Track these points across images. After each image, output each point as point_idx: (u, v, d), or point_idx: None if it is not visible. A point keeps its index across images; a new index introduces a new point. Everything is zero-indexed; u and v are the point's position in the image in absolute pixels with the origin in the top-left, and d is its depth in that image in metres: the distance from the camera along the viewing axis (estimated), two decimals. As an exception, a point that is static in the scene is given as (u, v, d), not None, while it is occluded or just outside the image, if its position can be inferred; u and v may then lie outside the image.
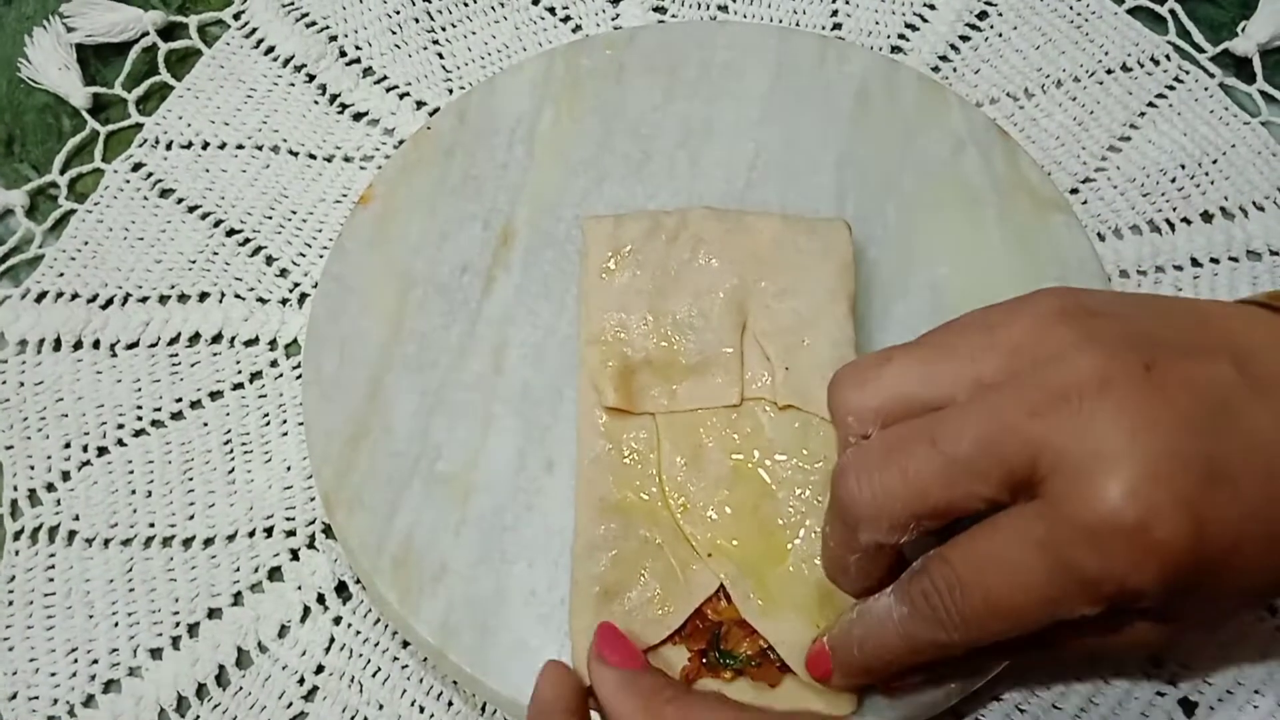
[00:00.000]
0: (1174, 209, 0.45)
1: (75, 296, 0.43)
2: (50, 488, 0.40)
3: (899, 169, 0.42)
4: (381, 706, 0.36)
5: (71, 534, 0.39)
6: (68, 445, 0.40)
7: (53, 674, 0.37)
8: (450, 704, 0.36)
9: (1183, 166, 0.45)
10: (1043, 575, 0.26)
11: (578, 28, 0.49)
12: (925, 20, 0.49)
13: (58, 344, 0.42)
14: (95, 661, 0.37)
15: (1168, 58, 0.48)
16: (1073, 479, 0.26)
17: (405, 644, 0.37)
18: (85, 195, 0.45)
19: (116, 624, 0.37)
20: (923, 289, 0.39)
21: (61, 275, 0.43)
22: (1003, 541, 0.27)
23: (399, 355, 0.38)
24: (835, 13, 0.49)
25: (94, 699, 0.36)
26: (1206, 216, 0.44)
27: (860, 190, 0.41)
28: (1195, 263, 0.44)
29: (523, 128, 0.43)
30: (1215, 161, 0.45)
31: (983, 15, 0.49)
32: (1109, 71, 0.48)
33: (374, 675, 0.37)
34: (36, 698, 0.36)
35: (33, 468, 0.40)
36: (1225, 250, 0.44)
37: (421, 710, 0.36)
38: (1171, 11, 0.49)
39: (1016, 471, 0.27)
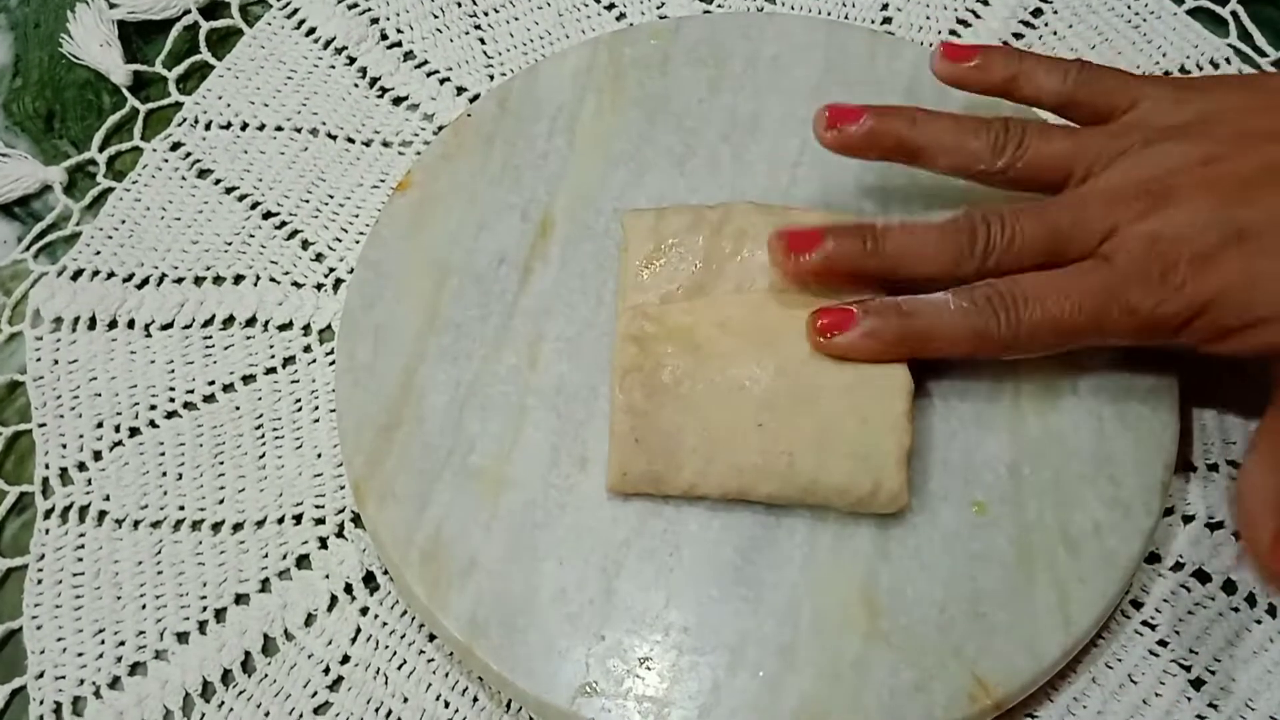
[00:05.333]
0: (1230, 217, 0.43)
1: (111, 275, 0.43)
2: (82, 467, 0.39)
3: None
4: (406, 700, 0.36)
5: (102, 514, 0.39)
6: (100, 425, 0.40)
7: (80, 654, 0.36)
8: (475, 700, 0.36)
9: (1240, 174, 0.44)
10: (1097, 302, 0.33)
11: (622, 16, 0.48)
12: (978, 16, 0.48)
13: (92, 323, 0.42)
14: (122, 643, 0.37)
15: (1228, 61, 0.46)
16: (1130, 243, 0.33)
17: (432, 638, 0.37)
18: (124, 173, 0.45)
19: (144, 606, 0.37)
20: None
21: (98, 254, 0.43)
22: (1067, 275, 0.33)
23: (434, 345, 0.38)
24: (885, 5, 0.48)
25: (120, 681, 0.36)
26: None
27: (907, 190, 0.40)
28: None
29: (564, 117, 0.42)
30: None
31: (1037, 13, 0.48)
32: (1166, 74, 0.46)
33: (399, 668, 0.36)
34: (63, 677, 0.36)
35: (64, 446, 0.40)
36: None
37: (447, 705, 0.36)
38: (1233, 13, 0.47)
39: (1091, 246, 0.34)
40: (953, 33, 0.47)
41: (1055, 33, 0.47)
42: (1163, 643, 0.36)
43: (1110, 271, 0.33)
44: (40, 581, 0.38)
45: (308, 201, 0.44)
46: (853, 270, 0.35)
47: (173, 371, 0.41)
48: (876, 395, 0.34)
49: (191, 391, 0.41)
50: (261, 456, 0.40)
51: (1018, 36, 0.47)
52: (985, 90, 0.37)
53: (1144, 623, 0.37)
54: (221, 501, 0.39)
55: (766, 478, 0.34)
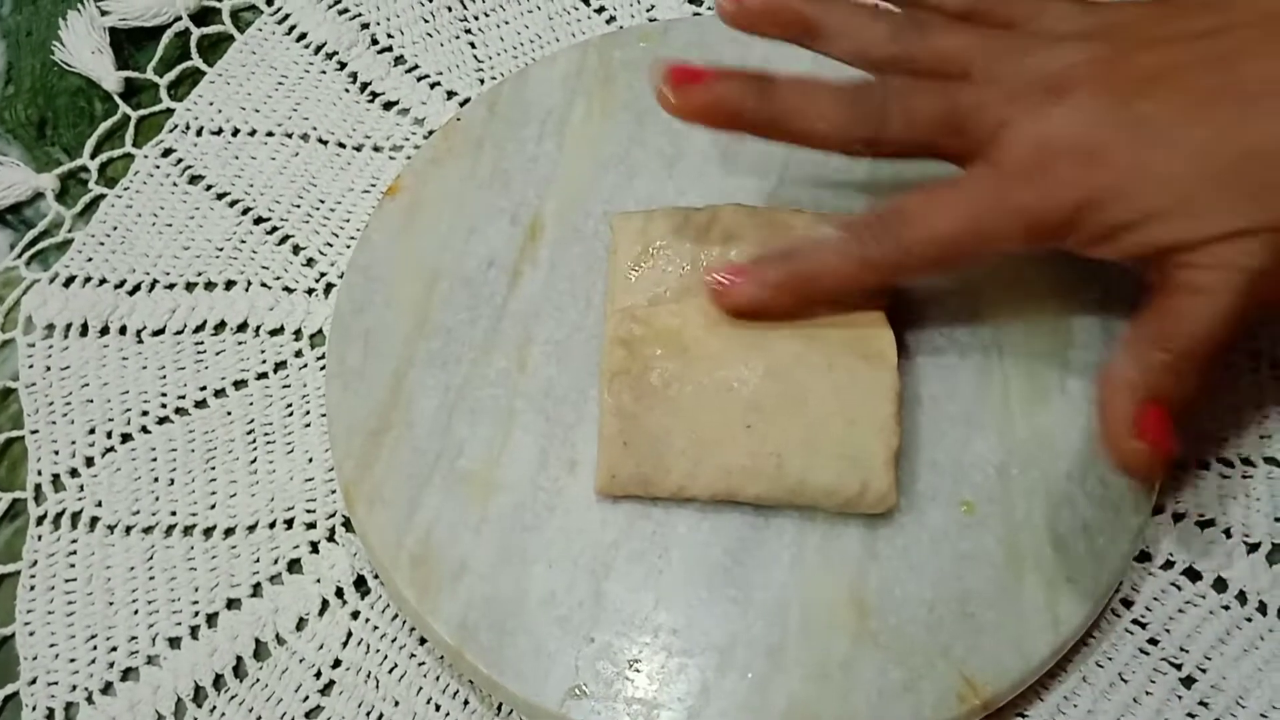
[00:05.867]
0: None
1: (103, 282, 0.43)
2: (74, 473, 0.40)
3: (937, 168, 0.41)
4: (397, 703, 0.36)
5: (94, 520, 0.39)
6: (92, 431, 0.40)
7: (72, 660, 0.37)
8: (466, 703, 0.36)
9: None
10: (981, 207, 0.32)
11: (612, 19, 0.48)
12: (967, 17, 0.48)
13: (84, 329, 0.42)
14: (114, 649, 0.37)
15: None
16: (1019, 141, 0.32)
17: (423, 641, 0.37)
18: (115, 180, 0.45)
19: (136, 612, 0.37)
20: (957, 293, 0.38)
21: (90, 260, 0.43)
22: (952, 186, 0.33)
23: (423, 349, 0.38)
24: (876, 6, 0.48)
25: (112, 686, 0.36)
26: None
27: (894, 192, 0.40)
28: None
29: (553, 120, 0.42)
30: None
31: (1026, 12, 0.48)
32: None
33: (390, 671, 0.36)
34: (56, 683, 0.36)
35: (57, 453, 0.40)
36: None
37: (438, 708, 0.36)
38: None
39: (984, 138, 0.33)
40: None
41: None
42: (1153, 641, 0.36)
43: (997, 176, 0.32)
44: (33, 588, 0.38)
45: (299, 206, 0.44)
46: (740, 118, 0.34)
47: (164, 377, 0.41)
48: (864, 396, 0.34)
49: (183, 397, 0.41)
50: (253, 461, 0.40)
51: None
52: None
53: (1134, 621, 0.37)
54: (213, 506, 0.39)
55: (755, 479, 0.34)
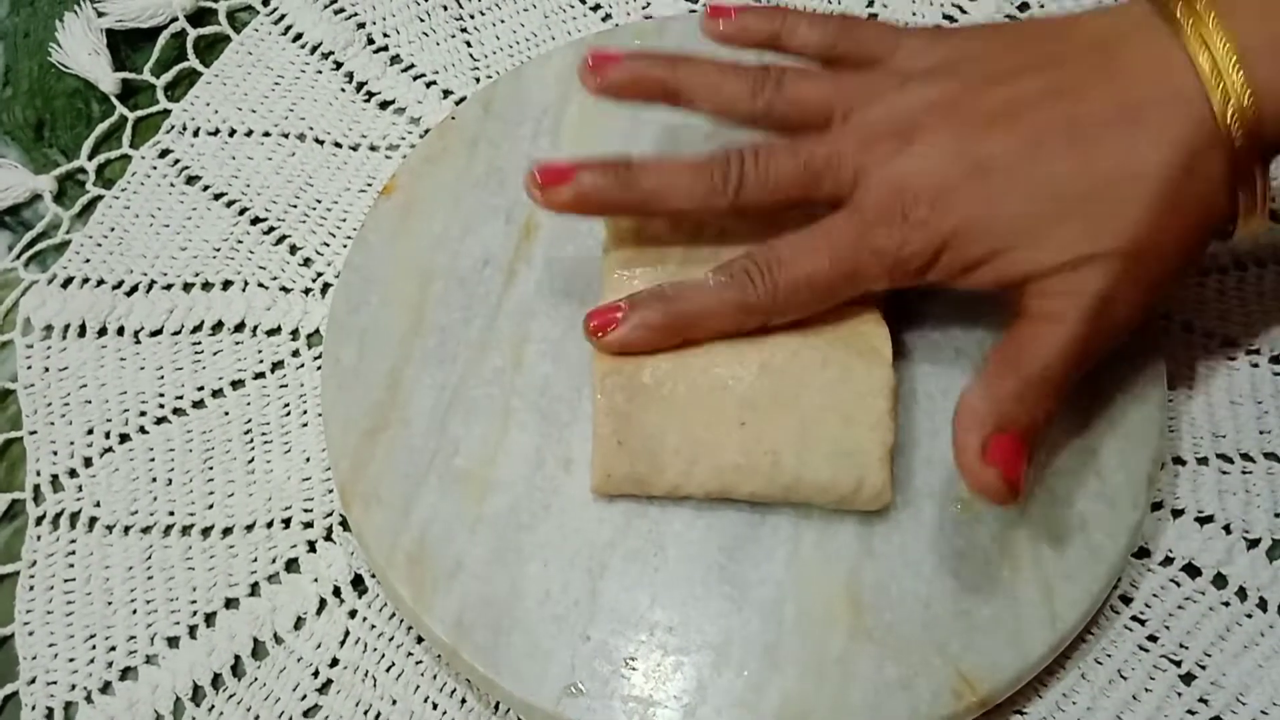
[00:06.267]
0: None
1: (101, 283, 0.43)
2: (72, 474, 0.40)
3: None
4: (395, 702, 0.36)
5: (92, 520, 0.39)
6: (90, 431, 0.40)
7: (71, 660, 0.37)
8: (464, 701, 0.36)
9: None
10: (845, 251, 0.34)
11: (608, 16, 0.48)
12: (964, 11, 0.48)
13: (82, 330, 0.42)
14: (113, 649, 0.37)
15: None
16: (875, 188, 0.33)
17: (420, 640, 0.37)
18: (113, 181, 0.45)
19: (135, 611, 0.37)
20: (952, 291, 0.38)
21: (88, 261, 0.43)
22: (819, 230, 0.34)
23: (419, 348, 0.38)
24: (872, 2, 0.48)
25: (111, 686, 0.36)
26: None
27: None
28: (1240, 265, 0.42)
29: (549, 119, 0.42)
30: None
31: (1023, 7, 0.48)
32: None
33: (388, 670, 0.36)
34: (55, 683, 0.36)
35: (55, 453, 0.40)
36: (1271, 255, 0.42)
37: (435, 707, 0.36)
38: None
39: (843, 187, 0.34)
40: (949, 17, 0.47)
41: (1043, 26, 0.47)
42: (1152, 638, 0.36)
43: (859, 219, 0.34)
44: (32, 588, 0.38)
45: (295, 206, 0.44)
46: (609, 206, 0.36)
47: (162, 378, 0.41)
48: (859, 393, 0.34)
49: (181, 397, 0.41)
50: (250, 461, 0.40)
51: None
52: (754, 46, 0.38)
53: (1133, 618, 0.36)
54: (211, 506, 0.39)
55: (749, 477, 0.34)
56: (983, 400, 0.32)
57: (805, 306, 0.35)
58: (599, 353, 0.35)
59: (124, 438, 0.40)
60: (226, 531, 0.38)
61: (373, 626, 0.37)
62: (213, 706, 0.36)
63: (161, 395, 0.41)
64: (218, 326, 0.42)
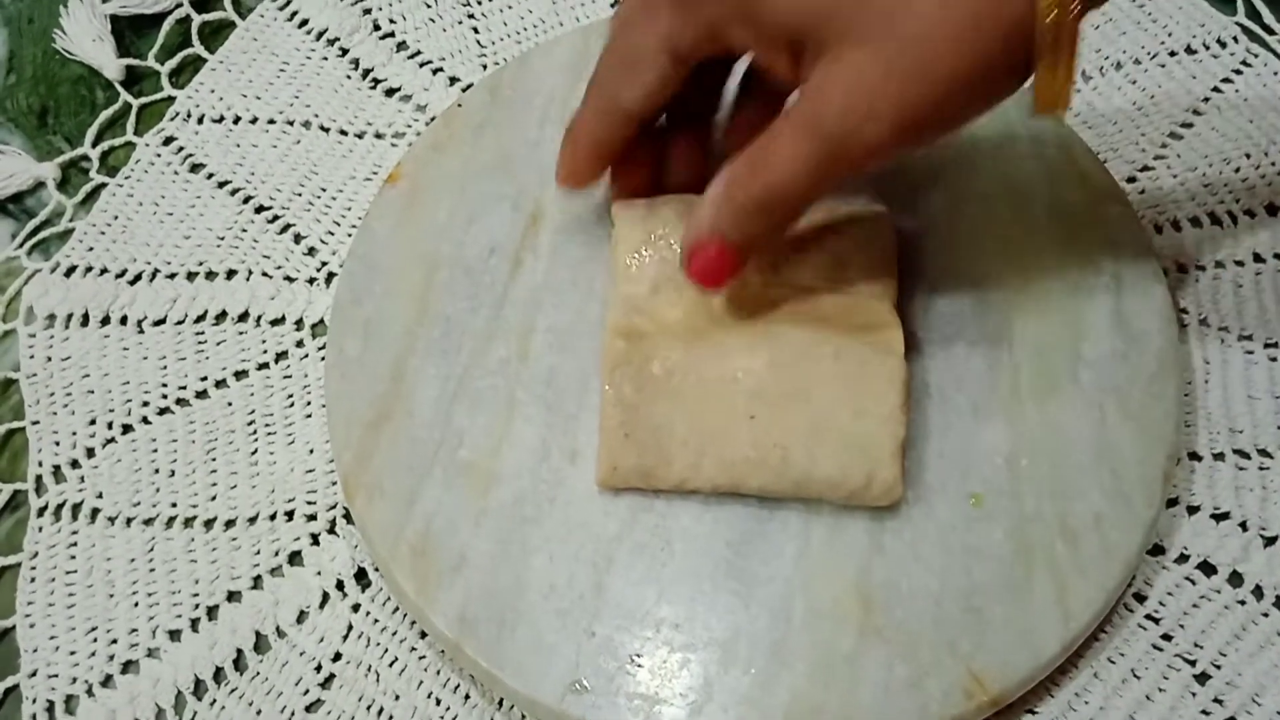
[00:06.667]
0: (1237, 200, 0.42)
1: (104, 272, 0.43)
2: (75, 464, 0.39)
3: (945, 155, 0.40)
4: (398, 697, 0.36)
5: (94, 512, 0.38)
6: (93, 422, 0.40)
7: (72, 652, 0.36)
8: (467, 697, 0.36)
9: (1248, 155, 0.43)
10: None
11: (615, 2, 0.48)
12: None
13: (85, 319, 0.42)
14: (114, 641, 0.37)
15: (1235, 40, 0.45)
16: None
17: (424, 634, 0.36)
18: (117, 169, 0.45)
19: (136, 604, 0.37)
20: (966, 282, 0.38)
21: (91, 250, 0.43)
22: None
23: (423, 338, 0.38)
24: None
25: (112, 679, 0.36)
26: (1272, 210, 0.42)
27: (903, 177, 0.39)
28: (1258, 258, 0.41)
29: (555, 106, 0.42)
30: (1283, 151, 0.43)
31: None
32: (1172, 54, 0.45)
33: (391, 665, 0.36)
34: (56, 675, 0.36)
35: (58, 444, 0.40)
36: (1291, 245, 0.41)
37: (438, 703, 0.35)
38: (1241, -10, 0.46)
39: None
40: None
41: (1058, 13, 0.46)
42: (1167, 637, 0.36)
43: None
44: (33, 580, 0.38)
45: (300, 195, 0.44)
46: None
47: (165, 367, 0.41)
48: (871, 386, 0.34)
49: (184, 388, 0.40)
50: (254, 452, 0.39)
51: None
52: None
53: (1147, 616, 0.36)
54: (214, 498, 0.39)
55: (758, 471, 0.34)
56: (709, 205, 0.31)
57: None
58: (607, 344, 0.35)
59: (126, 428, 0.40)
60: (229, 524, 0.38)
61: (376, 620, 0.37)
62: (214, 700, 0.36)
63: (164, 385, 0.40)
64: (221, 316, 0.42)
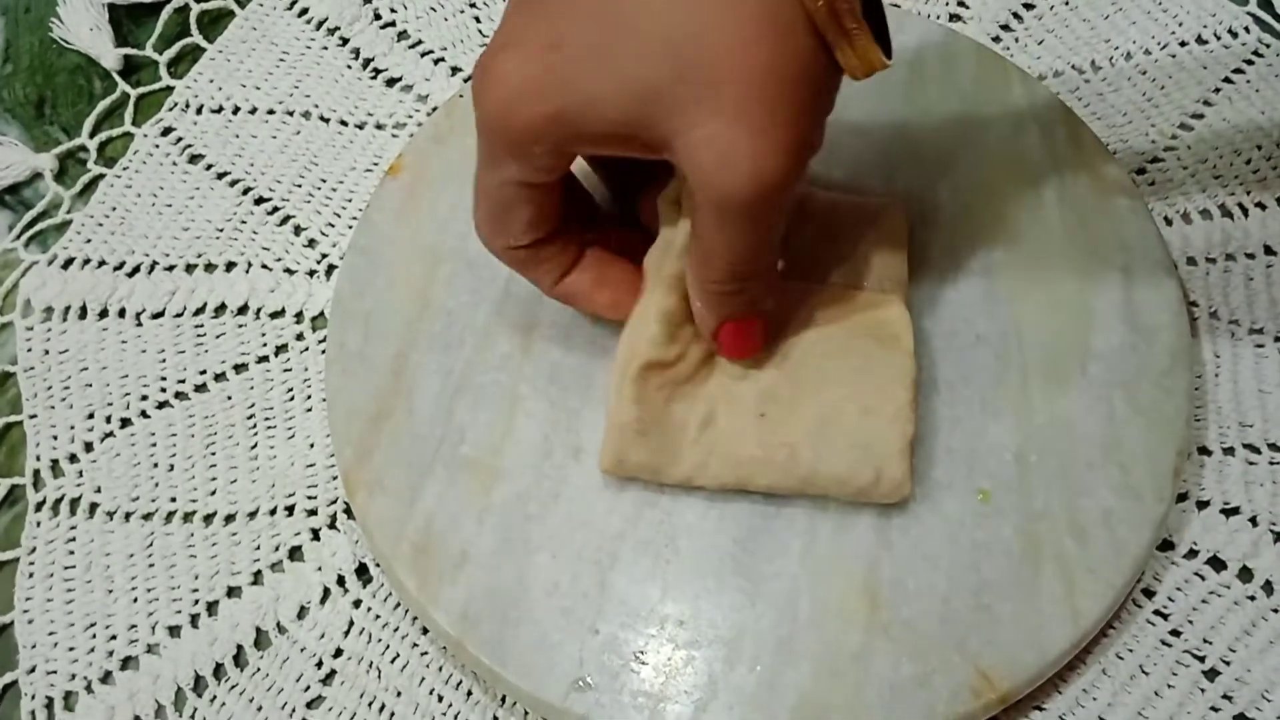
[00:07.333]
0: (1248, 192, 0.42)
1: (102, 264, 0.42)
2: (73, 459, 0.39)
3: (953, 146, 0.40)
4: (399, 694, 0.35)
5: (93, 506, 0.38)
6: (91, 416, 0.40)
7: (71, 649, 0.36)
8: (469, 694, 0.35)
9: (1259, 147, 0.42)
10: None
11: (620, -8, 0.47)
12: (967, 7, 0.46)
13: (83, 312, 0.41)
14: (114, 637, 0.36)
15: (1247, 30, 0.45)
16: None
17: (425, 631, 0.36)
18: (115, 160, 0.44)
19: (136, 600, 0.37)
20: (975, 275, 0.37)
21: (89, 242, 0.43)
22: None
23: (425, 333, 0.37)
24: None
25: (111, 675, 0.36)
26: (1283, 201, 0.42)
27: (911, 168, 0.39)
28: (1269, 250, 0.41)
29: (558, 97, 0.41)
30: (1294, 142, 0.42)
31: (1029, 6, 0.46)
32: (1183, 44, 0.45)
33: (392, 661, 0.36)
34: (55, 672, 0.36)
35: (56, 438, 0.39)
36: (1302, 238, 0.41)
37: (440, 699, 0.35)
38: (1253, -20, 0.46)
39: None
40: (960, 3, 0.46)
41: (1067, 2, 0.46)
42: (1176, 633, 0.35)
43: None
44: (31, 575, 0.37)
45: (300, 186, 0.43)
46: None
47: (164, 361, 0.40)
48: (880, 383, 0.33)
49: (183, 381, 0.40)
50: (253, 447, 0.39)
51: (1028, 7, 0.46)
52: None
53: (1156, 612, 0.35)
54: (213, 493, 0.38)
55: (765, 469, 0.33)
56: (695, 299, 0.32)
57: None
58: (624, 338, 0.34)
59: (125, 422, 0.39)
60: (229, 518, 0.38)
61: (377, 616, 0.36)
62: (214, 697, 0.35)
63: (163, 379, 0.40)
64: (220, 309, 0.41)
